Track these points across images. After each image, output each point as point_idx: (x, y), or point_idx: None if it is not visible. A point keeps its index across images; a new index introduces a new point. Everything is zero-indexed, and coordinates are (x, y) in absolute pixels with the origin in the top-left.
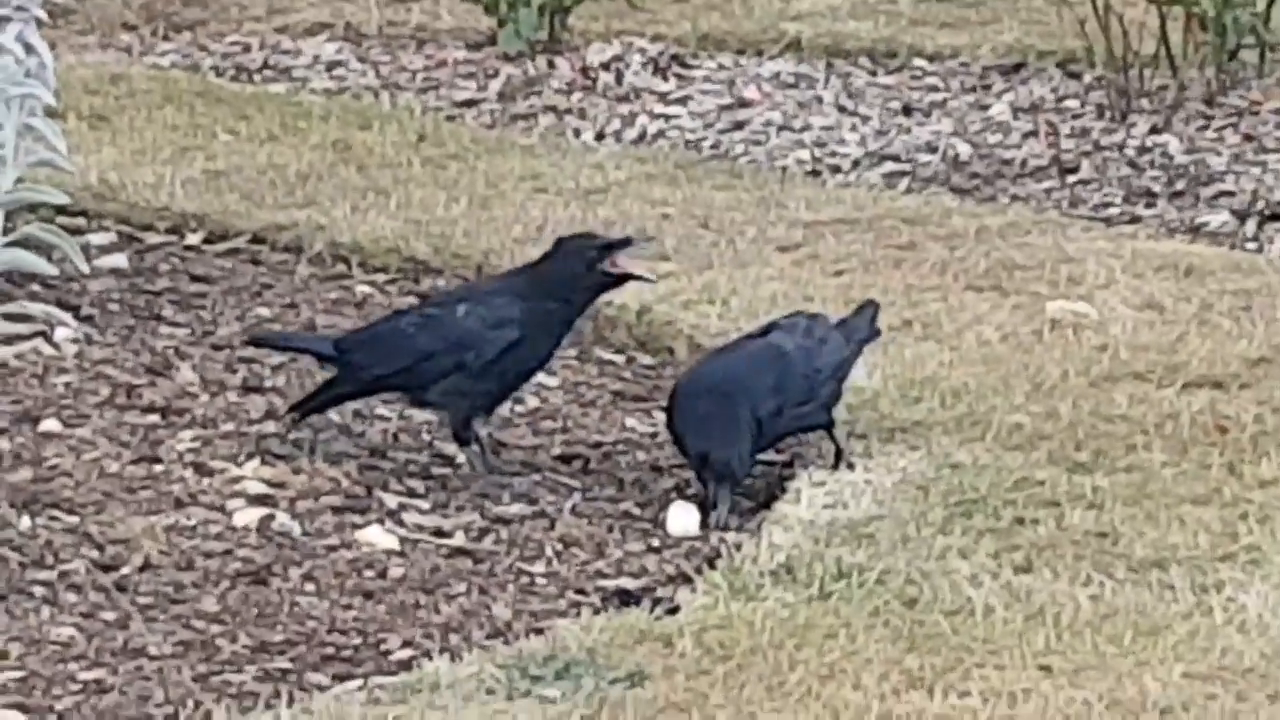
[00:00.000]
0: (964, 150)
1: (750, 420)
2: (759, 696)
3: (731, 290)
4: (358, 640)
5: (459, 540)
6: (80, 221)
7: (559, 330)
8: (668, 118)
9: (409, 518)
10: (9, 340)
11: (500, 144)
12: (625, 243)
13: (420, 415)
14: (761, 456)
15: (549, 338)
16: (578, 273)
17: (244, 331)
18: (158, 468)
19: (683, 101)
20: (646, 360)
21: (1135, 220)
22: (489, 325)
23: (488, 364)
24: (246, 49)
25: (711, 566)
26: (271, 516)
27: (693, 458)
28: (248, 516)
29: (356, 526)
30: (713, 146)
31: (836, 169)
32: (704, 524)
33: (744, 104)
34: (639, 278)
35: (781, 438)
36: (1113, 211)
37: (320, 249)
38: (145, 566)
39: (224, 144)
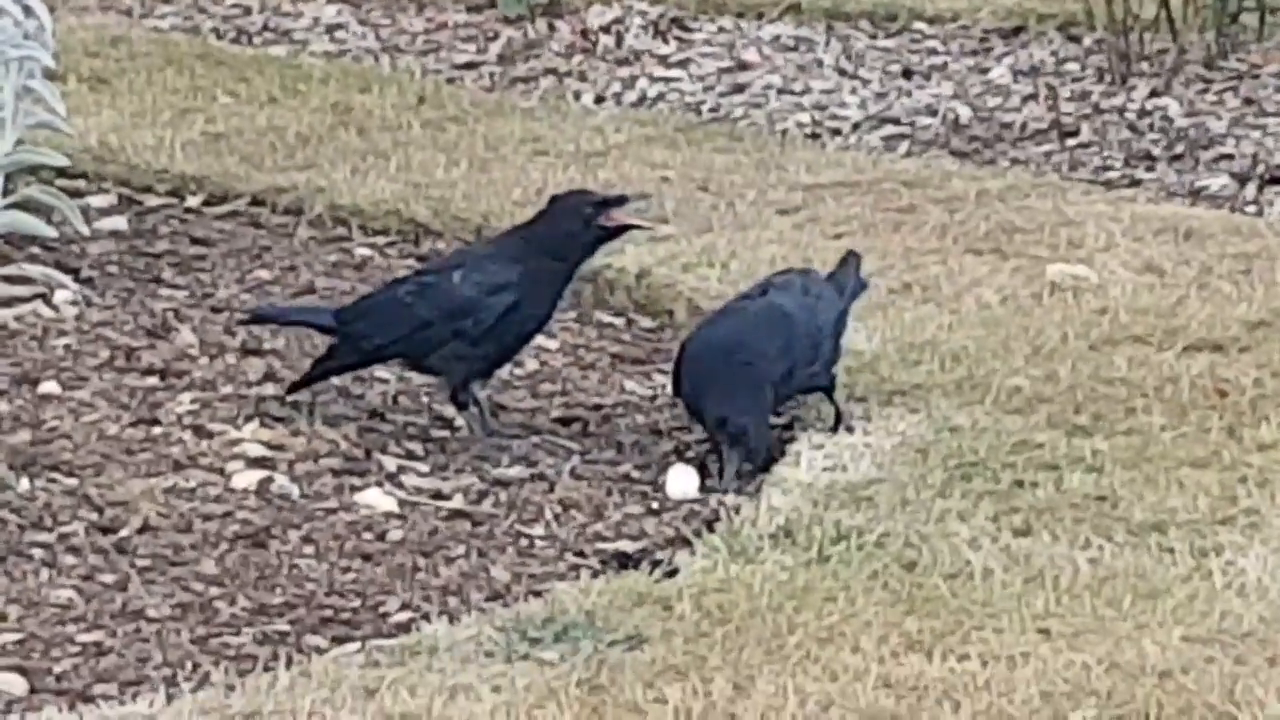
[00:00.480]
0: (964, 113)
1: (770, 389)
2: (757, 659)
3: (731, 253)
4: (356, 603)
5: (458, 503)
6: (80, 184)
7: (557, 289)
8: (668, 81)
9: (408, 480)
10: (8, 302)
11: (500, 107)
12: (621, 200)
13: (419, 378)
14: None
15: (547, 298)
16: (574, 230)
17: (243, 294)
18: (157, 430)
19: (683, 64)
20: (646, 323)
21: (1135, 184)
22: (486, 291)
23: (486, 330)
24: (246, 11)
25: (710, 529)
26: (270, 479)
27: (711, 424)
28: (247, 479)
29: (355, 489)
30: (713, 110)
31: (836, 132)
32: (703, 487)
33: (744, 67)
34: (637, 226)
35: (788, 398)
36: (1112, 175)
37: (320, 211)
38: (144, 529)
39: (224, 106)
